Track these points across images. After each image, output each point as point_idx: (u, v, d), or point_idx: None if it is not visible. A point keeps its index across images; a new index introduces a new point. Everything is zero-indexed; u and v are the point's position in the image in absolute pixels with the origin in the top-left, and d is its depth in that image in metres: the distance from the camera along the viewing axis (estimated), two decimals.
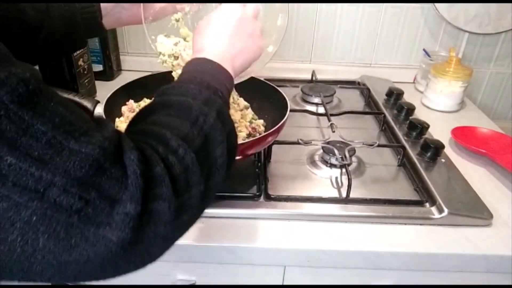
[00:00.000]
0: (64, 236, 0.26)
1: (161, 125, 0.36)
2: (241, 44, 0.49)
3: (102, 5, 0.58)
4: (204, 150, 0.36)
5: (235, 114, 0.71)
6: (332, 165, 0.72)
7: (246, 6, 0.52)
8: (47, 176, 0.25)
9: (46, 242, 0.26)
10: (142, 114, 0.39)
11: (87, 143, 0.27)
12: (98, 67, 1.01)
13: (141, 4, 0.58)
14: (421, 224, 0.61)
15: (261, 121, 0.75)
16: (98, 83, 0.97)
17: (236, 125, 0.68)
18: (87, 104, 0.68)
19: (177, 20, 0.62)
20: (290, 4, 1.02)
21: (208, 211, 0.61)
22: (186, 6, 0.61)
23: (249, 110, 0.76)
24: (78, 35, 0.59)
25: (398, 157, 0.76)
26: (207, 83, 0.41)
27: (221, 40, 0.48)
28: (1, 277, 0.28)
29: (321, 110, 0.91)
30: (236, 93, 0.74)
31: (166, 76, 0.82)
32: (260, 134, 0.69)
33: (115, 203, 0.28)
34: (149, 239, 0.30)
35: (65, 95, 0.72)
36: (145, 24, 0.59)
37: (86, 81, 0.91)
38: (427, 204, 0.64)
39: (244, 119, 0.72)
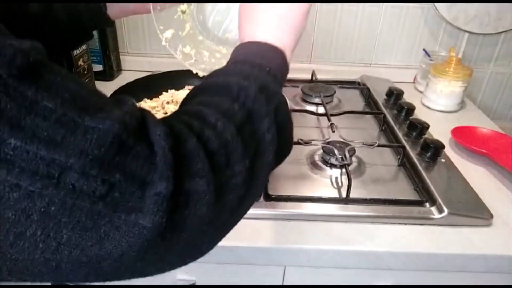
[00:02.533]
0: (91, 226, 0.23)
1: (200, 104, 0.33)
2: (291, 22, 0.46)
3: None
4: (247, 125, 0.32)
5: None
6: (332, 165, 0.72)
7: None
8: (60, 158, 0.22)
9: (72, 234, 0.23)
10: (182, 101, 0.36)
11: (104, 118, 0.24)
12: (98, 67, 1.00)
13: None
14: (421, 224, 0.61)
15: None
16: (98, 83, 0.97)
17: None
18: None
19: (183, 12, 0.61)
20: None
21: None
22: None
23: None
24: (82, 26, 0.58)
25: (398, 157, 0.76)
26: (250, 60, 0.38)
27: (271, 21, 0.45)
28: (33, 279, 0.25)
29: (321, 110, 0.91)
30: None
31: (166, 76, 0.83)
32: None
33: (145, 185, 0.24)
34: (192, 224, 0.27)
35: None
36: (154, 13, 0.56)
37: (86, 81, 0.91)
38: (427, 204, 0.64)
39: None
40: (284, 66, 0.43)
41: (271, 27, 0.44)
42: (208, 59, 0.59)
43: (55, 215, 0.22)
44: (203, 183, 0.27)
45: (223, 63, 0.50)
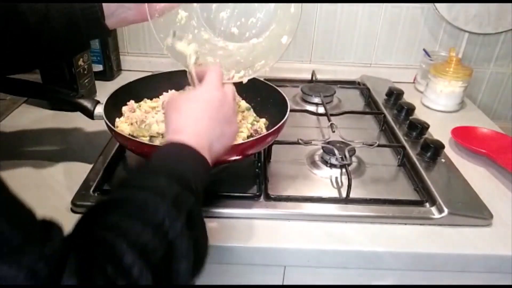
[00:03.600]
0: None
1: (118, 230, 0.31)
2: (220, 129, 0.46)
3: (106, 5, 0.56)
4: (165, 263, 0.31)
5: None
6: (332, 165, 0.72)
7: (224, 86, 0.50)
8: None
9: None
10: (97, 210, 0.34)
11: (15, 263, 0.22)
12: (98, 67, 1.00)
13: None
14: (421, 224, 0.61)
15: (263, 120, 0.74)
16: (98, 83, 0.97)
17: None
18: (87, 104, 0.68)
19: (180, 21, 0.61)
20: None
21: (208, 211, 0.61)
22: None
23: (251, 111, 0.76)
24: (80, 37, 0.57)
25: (398, 157, 0.76)
26: (179, 175, 0.37)
27: (201, 123, 0.45)
28: None
29: (321, 110, 0.91)
30: (237, 95, 0.74)
31: (166, 76, 0.82)
32: (260, 134, 0.69)
33: None
34: None
35: (65, 95, 0.72)
36: (152, 21, 0.56)
37: (86, 81, 0.91)
38: (427, 204, 0.64)
39: (246, 120, 0.72)
40: (207, 173, 0.42)
41: (196, 127, 0.45)
42: (212, 60, 0.58)
43: None
44: None
45: (228, 62, 0.49)
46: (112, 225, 0.31)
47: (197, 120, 0.45)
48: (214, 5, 0.61)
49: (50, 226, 0.27)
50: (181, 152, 0.41)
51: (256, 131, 0.70)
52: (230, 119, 0.48)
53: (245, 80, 0.56)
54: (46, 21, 0.53)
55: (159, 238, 0.31)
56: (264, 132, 0.71)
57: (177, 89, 0.86)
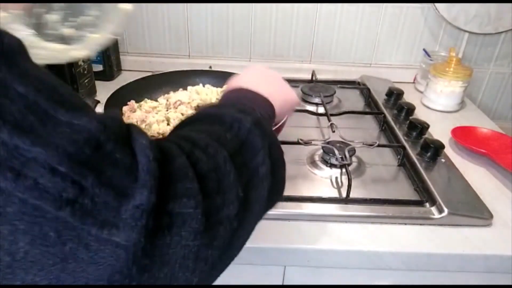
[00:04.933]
0: (54, 240, 0.19)
1: (190, 131, 0.31)
2: (276, 84, 0.48)
3: None
4: (240, 155, 0.30)
5: None
6: (332, 165, 0.72)
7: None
8: (24, 146, 0.18)
9: (29, 248, 0.19)
10: (173, 130, 0.35)
11: (82, 115, 0.21)
12: (98, 67, 1.00)
13: None
14: (421, 224, 0.61)
15: None
16: (98, 83, 0.97)
17: None
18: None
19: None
20: (290, 4, 1.02)
21: None
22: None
23: None
24: None
25: (398, 157, 0.76)
26: (243, 104, 0.38)
27: (257, 80, 0.47)
28: None
29: (321, 110, 0.91)
30: None
31: (166, 76, 0.82)
32: None
33: (123, 196, 0.21)
34: (175, 254, 0.23)
35: None
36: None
37: (86, 81, 0.91)
38: (427, 204, 0.64)
39: None
40: (272, 114, 0.42)
41: (260, 84, 0.45)
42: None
43: (11, 219, 0.18)
44: (191, 205, 0.24)
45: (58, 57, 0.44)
46: (185, 130, 0.32)
47: (253, 77, 0.47)
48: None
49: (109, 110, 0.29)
50: (242, 93, 0.41)
51: None
52: (281, 81, 0.50)
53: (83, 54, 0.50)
54: None
55: (231, 135, 0.31)
56: None
57: (177, 89, 0.86)
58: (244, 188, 0.29)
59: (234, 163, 0.29)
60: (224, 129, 0.31)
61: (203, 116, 0.35)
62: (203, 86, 0.84)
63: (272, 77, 0.49)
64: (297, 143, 0.71)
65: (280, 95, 0.46)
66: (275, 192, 0.35)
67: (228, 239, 0.28)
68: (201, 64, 1.01)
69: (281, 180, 0.36)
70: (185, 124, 0.35)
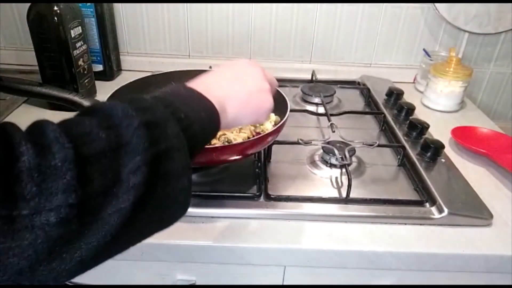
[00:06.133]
0: None
1: (65, 121, 0.28)
2: (240, 87, 0.44)
3: None
4: (104, 157, 0.27)
5: None
6: (332, 165, 0.72)
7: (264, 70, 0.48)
8: None
9: None
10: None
11: None
12: (98, 67, 1.01)
13: None
14: (421, 224, 0.61)
15: (269, 124, 0.73)
16: (98, 83, 0.97)
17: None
18: (87, 104, 0.68)
19: None
20: (290, 4, 1.02)
21: (208, 211, 0.61)
22: None
23: None
24: None
25: (398, 157, 0.76)
26: (169, 101, 0.34)
27: (223, 79, 0.44)
28: None
29: (321, 110, 0.91)
30: None
31: (166, 76, 0.82)
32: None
33: None
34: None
35: (65, 95, 0.72)
36: None
37: (86, 81, 0.91)
38: (427, 204, 0.64)
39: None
40: (213, 116, 0.39)
41: (222, 84, 0.43)
42: None
43: None
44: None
45: None
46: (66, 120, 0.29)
47: (215, 76, 0.44)
48: None
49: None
50: (180, 90, 0.39)
51: (258, 134, 0.70)
52: (257, 82, 0.46)
53: None
54: None
55: (105, 132, 0.28)
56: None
57: None
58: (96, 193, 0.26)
59: (85, 164, 0.26)
60: (98, 123, 0.28)
61: (97, 108, 0.31)
62: None
63: (250, 75, 0.46)
64: (297, 143, 0.71)
65: (242, 97, 0.44)
66: (158, 208, 0.31)
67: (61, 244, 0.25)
68: (201, 64, 1.01)
69: (169, 195, 0.32)
70: (80, 113, 0.31)
